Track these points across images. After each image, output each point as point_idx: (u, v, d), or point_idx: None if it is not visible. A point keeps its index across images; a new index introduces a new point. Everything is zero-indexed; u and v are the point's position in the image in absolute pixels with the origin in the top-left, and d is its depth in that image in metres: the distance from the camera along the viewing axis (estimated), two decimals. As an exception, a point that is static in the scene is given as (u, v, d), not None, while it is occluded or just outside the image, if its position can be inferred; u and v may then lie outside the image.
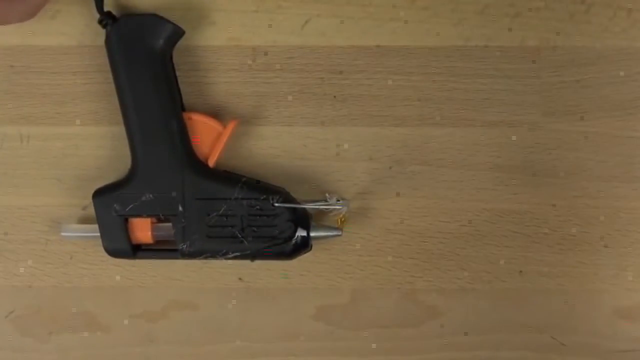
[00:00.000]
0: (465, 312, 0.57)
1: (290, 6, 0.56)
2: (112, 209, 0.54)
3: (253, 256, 0.54)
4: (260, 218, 0.54)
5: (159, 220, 0.55)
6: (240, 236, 0.54)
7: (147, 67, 0.53)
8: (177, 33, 0.54)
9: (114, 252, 0.55)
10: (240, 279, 0.57)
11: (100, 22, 0.54)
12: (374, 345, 0.57)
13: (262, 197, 0.54)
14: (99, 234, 0.54)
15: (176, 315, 0.57)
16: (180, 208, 0.54)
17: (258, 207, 0.54)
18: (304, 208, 0.55)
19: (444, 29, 0.56)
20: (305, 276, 0.57)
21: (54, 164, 0.57)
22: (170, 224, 0.54)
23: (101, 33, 0.54)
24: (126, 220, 0.54)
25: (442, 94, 0.56)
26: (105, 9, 0.54)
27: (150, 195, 0.54)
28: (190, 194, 0.54)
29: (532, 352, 0.57)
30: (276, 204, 0.54)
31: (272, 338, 0.57)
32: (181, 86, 0.55)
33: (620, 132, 0.56)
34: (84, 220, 0.56)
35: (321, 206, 0.55)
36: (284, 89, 0.56)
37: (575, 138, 0.56)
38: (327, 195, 0.56)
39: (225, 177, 0.55)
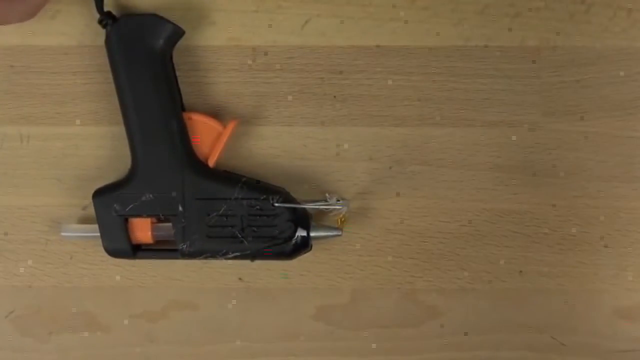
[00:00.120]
0: (465, 312, 0.57)
1: (290, 6, 0.56)
2: (112, 209, 0.54)
3: (253, 256, 0.54)
4: (260, 218, 0.54)
5: (159, 220, 0.55)
6: (240, 236, 0.54)
7: (147, 67, 0.53)
8: (177, 33, 0.54)
9: (114, 252, 0.55)
10: (240, 279, 0.57)
11: (100, 22, 0.54)
12: (374, 345, 0.57)
13: (262, 197, 0.54)
14: (99, 234, 0.54)
15: (176, 315, 0.57)
16: (180, 208, 0.54)
17: (258, 207, 0.54)
18: (304, 208, 0.55)
19: (444, 29, 0.56)
20: (305, 276, 0.57)
21: (54, 164, 0.57)
22: (170, 224, 0.54)
23: (101, 33, 0.54)
24: (126, 220, 0.54)
25: (442, 94, 0.56)
26: (105, 9, 0.54)
27: (150, 195, 0.54)
28: (190, 194, 0.54)
29: (532, 352, 0.57)
30: (276, 204, 0.54)
31: (272, 338, 0.57)
32: (181, 86, 0.55)
33: (620, 132, 0.56)
34: (84, 220, 0.56)
35: (321, 206, 0.55)
36: (284, 89, 0.56)
37: (575, 138, 0.56)
38: (327, 195, 0.56)
39: (225, 177, 0.55)
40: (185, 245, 0.54)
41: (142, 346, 0.57)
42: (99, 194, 0.54)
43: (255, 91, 0.56)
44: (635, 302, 0.57)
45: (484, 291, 0.57)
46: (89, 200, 0.55)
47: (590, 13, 0.56)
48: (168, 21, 0.53)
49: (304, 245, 0.54)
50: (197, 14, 0.56)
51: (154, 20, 0.53)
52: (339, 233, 0.55)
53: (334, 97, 0.56)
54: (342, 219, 0.55)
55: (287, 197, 0.54)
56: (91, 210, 0.55)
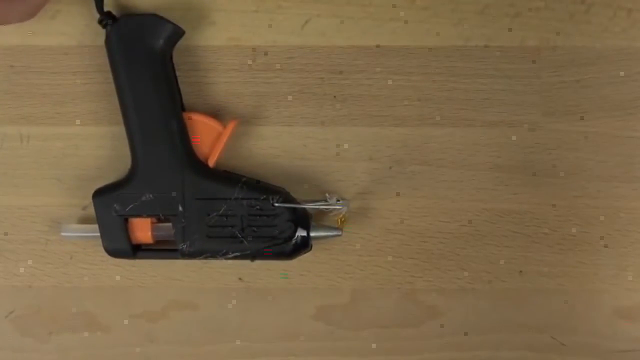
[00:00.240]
0: (465, 312, 0.57)
1: (290, 6, 0.56)
2: (112, 209, 0.54)
3: (253, 256, 0.54)
4: (260, 218, 0.54)
5: (159, 220, 0.55)
6: (240, 236, 0.54)
7: (147, 67, 0.53)
8: (177, 33, 0.54)
9: (114, 252, 0.55)
10: (240, 279, 0.57)
11: (100, 22, 0.54)
12: (374, 345, 0.57)
13: (262, 197, 0.54)
14: (99, 234, 0.54)
15: (176, 315, 0.57)
16: (180, 208, 0.54)
17: (258, 207, 0.54)
18: (304, 208, 0.55)
19: (444, 29, 0.56)
20: (305, 276, 0.57)
21: (54, 164, 0.57)
22: (170, 224, 0.54)
23: (101, 33, 0.54)
24: (126, 220, 0.54)
25: (442, 94, 0.56)
26: (105, 9, 0.54)
27: (150, 195, 0.54)
28: (190, 194, 0.54)
29: (532, 352, 0.57)
30: (276, 204, 0.54)
31: (272, 338, 0.57)
32: (181, 86, 0.55)
33: (620, 132, 0.56)
34: (84, 220, 0.56)
35: (321, 206, 0.55)
36: (284, 89, 0.56)
37: (575, 138, 0.56)
38: (327, 195, 0.56)
39: (225, 177, 0.55)
40: (185, 245, 0.54)
41: (142, 346, 0.57)
42: (99, 194, 0.54)
43: (255, 91, 0.56)
44: (635, 302, 0.57)
45: (484, 291, 0.57)
46: (89, 200, 0.55)
47: (590, 13, 0.56)
48: (168, 21, 0.53)
49: (304, 245, 0.54)
50: (197, 14, 0.56)
51: (154, 20, 0.53)
52: (339, 233, 0.55)
53: (334, 97, 0.56)
54: (342, 219, 0.55)
55: (287, 197, 0.54)
56: (91, 210, 0.55)
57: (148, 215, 0.54)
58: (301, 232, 0.54)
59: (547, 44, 0.56)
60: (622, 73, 0.56)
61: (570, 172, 0.56)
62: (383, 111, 0.56)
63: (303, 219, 0.54)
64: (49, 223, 0.57)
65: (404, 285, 0.57)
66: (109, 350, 0.57)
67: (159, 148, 0.53)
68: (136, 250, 0.55)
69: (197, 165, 0.54)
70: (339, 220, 0.55)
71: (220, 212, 0.54)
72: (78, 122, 0.57)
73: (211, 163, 0.55)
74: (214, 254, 0.54)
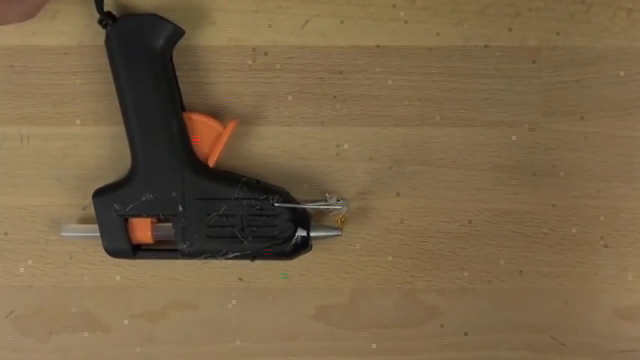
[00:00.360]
0: (465, 312, 0.57)
1: (290, 6, 0.56)
2: (112, 209, 0.54)
3: (253, 256, 0.54)
4: (260, 218, 0.54)
5: (159, 220, 0.55)
6: (240, 236, 0.54)
7: (147, 67, 0.53)
8: (177, 33, 0.54)
9: (114, 252, 0.55)
10: (240, 279, 0.57)
11: (100, 22, 0.54)
12: (374, 345, 0.57)
13: (262, 197, 0.54)
14: (99, 234, 0.54)
15: (176, 315, 0.57)
16: (180, 208, 0.54)
17: (258, 207, 0.54)
18: (304, 208, 0.55)
19: (444, 29, 0.56)
20: (305, 276, 0.57)
21: (54, 164, 0.57)
22: (170, 224, 0.54)
23: (101, 33, 0.54)
24: (126, 220, 0.54)
25: (442, 94, 0.56)
26: (105, 9, 0.54)
27: (150, 195, 0.54)
28: (190, 194, 0.54)
29: (532, 352, 0.57)
30: (276, 204, 0.54)
31: (272, 338, 0.57)
32: (181, 86, 0.55)
33: (620, 132, 0.56)
34: (84, 220, 0.56)
35: (321, 206, 0.55)
36: (284, 89, 0.56)
37: (575, 138, 0.56)
38: (327, 195, 0.56)
39: (225, 177, 0.55)
40: (185, 245, 0.54)
41: (142, 346, 0.57)
42: (99, 194, 0.54)
43: (255, 91, 0.56)
44: (635, 302, 0.57)
45: (484, 291, 0.57)
46: (89, 200, 0.55)
47: (590, 13, 0.56)
48: (168, 21, 0.53)
49: (304, 245, 0.54)
50: (197, 14, 0.56)
51: (154, 20, 0.53)
52: (339, 233, 0.55)
53: (334, 97, 0.56)
54: (342, 219, 0.55)
55: (287, 197, 0.54)
56: (91, 210, 0.55)
57: (148, 215, 0.54)
58: (301, 232, 0.54)
59: (547, 44, 0.56)
60: (622, 73, 0.56)
61: (570, 172, 0.56)
62: (383, 111, 0.56)
63: (303, 219, 0.54)
64: (49, 223, 0.57)
65: (404, 285, 0.57)
66: (109, 350, 0.57)
67: (159, 148, 0.53)
68: (136, 250, 0.55)
69: (197, 165, 0.54)
70: (339, 220, 0.55)
71: (220, 212, 0.54)
72: (78, 122, 0.57)
73: (211, 163, 0.55)
74: (214, 254, 0.54)
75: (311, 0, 0.56)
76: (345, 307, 0.57)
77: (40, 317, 0.57)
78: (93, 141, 0.57)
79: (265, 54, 0.56)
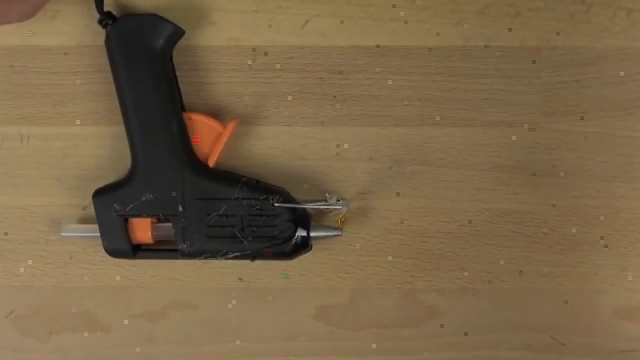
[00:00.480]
0: (465, 312, 0.57)
1: (290, 6, 0.56)
2: (112, 209, 0.54)
3: (253, 256, 0.54)
4: (260, 218, 0.54)
5: (159, 220, 0.55)
6: (240, 236, 0.54)
7: (147, 67, 0.53)
8: (177, 33, 0.54)
9: (114, 252, 0.55)
10: (240, 279, 0.57)
11: (100, 22, 0.54)
12: (374, 345, 0.57)
13: (262, 197, 0.54)
14: (99, 234, 0.54)
15: (176, 315, 0.57)
16: (180, 208, 0.54)
17: (258, 207, 0.54)
18: (304, 208, 0.55)
19: (444, 29, 0.56)
20: (305, 276, 0.57)
21: (54, 164, 0.57)
22: (170, 224, 0.54)
23: (101, 33, 0.54)
24: (126, 220, 0.54)
25: (442, 94, 0.56)
26: (105, 9, 0.54)
27: (150, 195, 0.54)
28: (190, 194, 0.54)
29: (532, 352, 0.57)
30: (276, 204, 0.54)
31: (272, 338, 0.57)
32: (181, 86, 0.55)
33: (620, 132, 0.56)
34: (84, 220, 0.56)
35: (321, 206, 0.55)
36: (284, 89, 0.56)
37: (575, 138, 0.56)
38: (327, 195, 0.56)
39: (225, 177, 0.55)
40: (185, 245, 0.54)
41: (142, 346, 0.57)
42: (99, 194, 0.54)
43: (255, 91, 0.56)
44: (635, 302, 0.57)
45: (484, 291, 0.57)
46: (89, 200, 0.55)
47: (590, 13, 0.56)
48: (168, 21, 0.53)
49: (304, 245, 0.54)
50: (197, 14, 0.56)
51: (154, 20, 0.53)
52: (339, 233, 0.55)
53: (334, 97, 0.56)
54: (342, 219, 0.55)
55: (287, 197, 0.54)
56: (91, 210, 0.55)
57: (148, 215, 0.54)
58: (301, 232, 0.54)
59: (547, 44, 0.56)
60: (622, 73, 0.56)
61: (570, 172, 0.56)
62: (383, 111, 0.56)
63: (303, 219, 0.54)
64: (49, 223, 0.57)
65: (404, 285, 0.57)
66: (109, 350, 0.57)
67: (159, 148, 0.53)
68: (136, 250, 0.55)
69: (197, 165, 0.54)
70: (339, 220, 0.55)
71: (220, 212, 0.54)
72: (78, 122, 0.57)
73: (211, 163, 0.55)
74: (214, 254, 0.54)
75: (311, 0, 0.56)
76: (345, 307, 0.57)
77: (40, 317, 0.57)
78: (93, 141, 0.57)
79: (265, 54, 0.56)
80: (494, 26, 0.56)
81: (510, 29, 0.56)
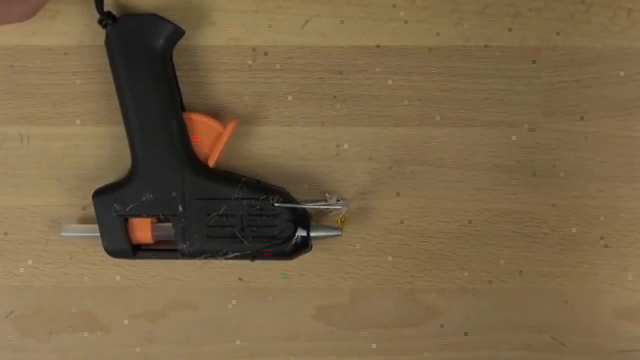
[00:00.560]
0: (465, 312, 0.57)
1: (290, 6, 0.56)
2: (112, 209, 0.54)
3: (253, 256, 0.54)
4: (260, 218, 0.54)
5: (159, 220, 0.55)
6: (240, 236, 0.54)
7: (147, 67, 0.53)
8: (177, 33, 0.54)
9: (114, 252, 0.55)
10: (240, 279, 0.57)
11: (100, 22, 0.54)
12: (374, 345, 0.57)
13: (262, 197, 0.54)
14: (99, 234, 0.54)
15: (176, 315, 0.57)
16: (180, 208, 0.54)
17: (258, 207, 0.54)
18: (304, 208, 0.55)
19: (444, 29, 0.56)
20: (305, 276, 0.57)
21: (54, 164, 0.57)
22: (170, 224, 0.54)
23: (101, 33, 0.54)
24: (126, 220, 0.54)
25: (442, 94, 0.56)
26: (105, 9, 0.54)
27: (150, 195, 0.54)
28: (190, 194, 0.54)
29: (532, 352, 0.57)
30: (276, 204, 0.54)
31: (272, 338, 0.57)
32: (181, 86, 0.55)
33: (620, 132, 0.56)
34: (84, 220, 0.56)
35: (321, 206, 0.55)
36: (284, 89, 0.56)
37: (575, 138, 0.56)
38: (327, 195, 0.56)
39: (225, 177, 0.55)
40: (185, 245, 0.54)
41: (142, 346, 0.57)
42: (99, 194, 0.54)
43: (255, 91, 0.56)
44: (635, 302, 0.57)
45: (484, 291, 0.57)
46: (89, 200, 0.55)
47: (590, 13, 0.56)
48: (168, 21, 0.53)
49: (304, 245, 0.54)
50: (197, 14, 0.56)
51: (154, 20, 0.53)
52: (339, 233, 0.55)
53: (334, 97, 0.56)
54: (342, 219, 0.55)
55: (287, 197, 0.54)
56: (91, 210, 0.55)
57: (148, 215, 0.54)
58: (301, 232, 0.54)
59: (547, 44, 0.56)
60: (622, 73, 0.56)
61: (570, 172, 0.56)
62: (383, 111, 0.56)
63: (303, 219, 0.54)
64: (49, 223, 0.57)
65: (404, 285, 0.57)
66: (109, 350, 0.57)
67: (159, 148, 0.53)
68: (136, 250, 0.55)
69: (197, 165, 0.54)
70: (339, 220, 0.55)
71: (220, 212, 0.54)
72: (78, 122, 0.57)
73: (211, 163, 0.55)
74: (214, 254, 0.54)
75: (311, 0, 0.56)
76: (345, 307, 0.57)
77: (40, 317, 0.57)
78: (93, 141, 0.57)
79: (265, 54, 0.56)
80: (494, 26, 0.56)
81: (510, 29, 0.56)
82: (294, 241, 0.54)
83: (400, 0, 0.56)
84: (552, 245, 0.56)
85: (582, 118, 0.56)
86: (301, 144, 0.57)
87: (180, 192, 0.54)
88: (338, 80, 0.56)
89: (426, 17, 0.56)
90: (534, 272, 0.57)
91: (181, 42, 0.55)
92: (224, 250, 0.54)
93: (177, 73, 0.55)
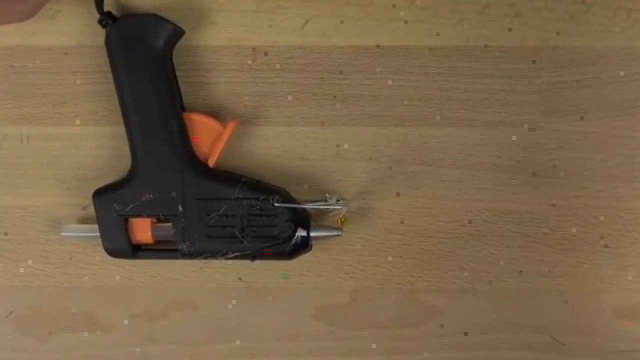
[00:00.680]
0: (465, 312, 0.57)
1: (290, 6, 0.56)
2: (112, 209, 0.54)
3: (253, 256, 0.54)
4: (260, 218, 0.54)
5: (159, 220, 0.55)
6: (240, 236, 0.54)
7: (147, 67, 0.53)
8: (177, 33, 0.54)
9: (114, 252, 0.55)
10: (240, 279, 0.57)
11: (100, 22, 0.54)
12: (374, 345, 0.57)
13: (262, 197, 0.54)
14: (99, 234, 0.54)
15: (176, 315, 0.57)
16: (180, 208, 0.54)
17: (258, 207, 0.54)
18: (304, 208, 0.55)
19: (444, 29, 0.56)
20: (305, 276, 0.57)
21: (54, 164, 0.57)
22: (170, 224, 0.54)
23: (101, 33, 0.54)
24: (126, 220, 0.54)
25: (442, 94, 0.56)
26: (105, 9, 0.54)
27: (150, 195, 0.54)
28: (190, 194, 0.54)
29: (532, 352, 0.57)
30: (276, 204, 0.54)
31: (272, 338, 0.57)
32: (181, 86, 0.55)
33: (620, 132, 0.56)
34: (84, 220, 0.56)
35: (321, 206, 0.55)
36: (284, 89, 0.56)
37: (575, 138, 0.56)
38: (327, 195, 0.56)
39: (225, 177, 0.55)
40: (185, 245, 0.54)
41: (142, 346, 0.57)
42: (99, 194, 0.54)
43: (255, 91, 0.56)
44: (635, 302, 0.57)
45: (484, 291, 0.57)
46: (89, 200, 0.55)
47: (590, 13, 0.56)
48: (168, 21, 0.53)
49: (304, 245, 0.54)
50: (197, 14, 0.56)
51: (154, 20, 0.53)
52: (339, 233, 0.55)
53: (334, 97, 0.56)
54: (342, 219, 0.55)
55: (287, 197, 0.54)
56: (91, 210, 0.55)
57: (148, 215, 0.54)
58: (301, 232, 0.54)
59: (547, 44, 0.56)
60: (622, 73, 0.56)
61: (570, 172, 0.56)
62: (383, 111, 0.56)
63: (303, 219, 0.54)
64: (49, 223, 0.57)
65: (404, 285, 0.57)
66: (109, 350, 0.57)
67: (159, 148, 0.53)
68: (136, 250, 0.55)
69: (197, 165, 0.54)
70: (339, 220, 0.55)
71: (220, 212, 0.54)
72: (78, 122, 0.57)
73: (211, 163, 0.55)
74: (214, 254, 0.54)
75: (311, 0, 0.56)
76: (345, 307, 0.57)
77: (40, 317, 0.57)
78: (93, 141, 0.57)
79: (265, 54, 0.56)
80: (494, 26, 0.56)
81: (510, 29, 0.56)
82: (294, 241, 0.54)
83: (400, 0, 0.56)
84: (552, 245, 0.56)
85: (582, 118, 0.56)
86: (301, 144, 0.57)
87: (180, 192, 0.54)
88: (338, 80, 0.56)
89: (426, 17, 0.56)
90: (534, 272, 0.57)
91: (181, 42, 0.55)
92: (224, 250, 0.54)
93: (177, 73, 0.55)
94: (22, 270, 0.57)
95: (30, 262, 0.57)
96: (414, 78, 0.56)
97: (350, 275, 0.57)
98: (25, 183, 0.57)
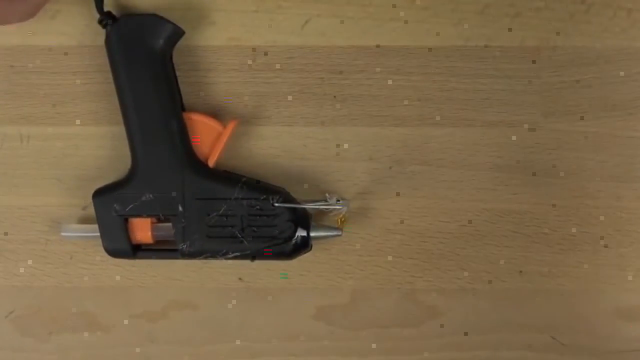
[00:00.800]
0: (465, 312, 0.57)
1: (290, 6, 0.56)
2: (112, 209, 0.54)
3: (253, 256, 0.54)
4: (260, 218, 0.54)
5: (159, 220, 0.55)
6: (240, 236, 0.54)
7: (147, 67, 0.53)
8: (177, 33, 0.54)
9: (114, 252, 0.55)
10: (240, 279, 0.57)
11: (100, 22, 0.54)
12: (374, 345, 0.57)
13: (262, 197, 0.54)
14: (99, 234, 0.54)
15: (176, 315, 0.57)
16: (180, 208, 0.54)
17: (258, 207, 0.54)
18: (304, 208, 0.55)
19: (444, 29, 0.56)
20: (305, 276, 0.57)
21: (54, 164, 0.57)
22: (170, 224, 0.54)
23: (101, 33, 0.54)
24: (126, 220, 0.54)
25: (442, 94, 0.56)
26: (105, 9, 0.54)
27: (150, 195, 0.54)
28: (190, 194, 0.54)
29: (532, 352, 0.57)
30: (276, 204, 0.54)
31: (272, 338, 0.57)
32: (181, 86, 0.55)
33: (620, 132, 0.56)
34: (84, 220, 0.56)
35: (321, 206, 0.55)
36: (284, 89, 0.56)
37: (575, 138, 0.56)
38: (327, 195, 0.56)
39: (225, 177, 0.55)
40: (185, 245, 0.54)
41: (142, 346, 0.57)
42: (99, 194, 0.54)
43: (255, 91, 0.56)
44: (635, 302, 0.57)
45: (484, 291, 0.57)
46: (89, 200, 0.55)
47: (590, 13, 0.56)
48: (168, 21, 0.53)
49: (304, 245, 0.54)
50: (197, 14, 0.56)
51: (154, 20, 0.53)
52: (339, 233, 0.55)
53: (334, 97, 0.56)
54: (342, 219, 0.55)
55: (287, 197, 0.54)
56: (91, 210, 0.55)
57: (148, 215, 0.54)
58: (301, 232, 0.54)
59: (547, 44, 0.56)
60: (622, 73, 0.56)
61: (570, 172, 0.56)
62: (383, 111, 0.56)
63: (303, 219, 0.54)
64: (49, 223, 0.57)
65: (404, 285, 0.57)
66: (109, 350, 0.57)
67: (159, 148, 0.53)
68: (136, 250, 0.55)
69: (197, 165, 0.54)
70: (339, 220, 0.55)
71: (220, 212, 0.54)
72: (78, 122, 0.57)
73: (211, 163, 0.55)
74: (214, 254, 0.54)
75: (311, 0, 0.56)
76: (345, 307, 0.57)
77: (40, 317, 0.57)
78: (93, 141, 0.57)
79: (265, 54, 0.56)
80: (494, 26, 0.56)
81: (510, 29, 0.56)
82: (294, 241, 0.54)
83: (400, 0, 0.56)
84: (552, 245, 0.56)
85: (582, 118, 0.56)
86: (301, 144, 0.57)
87: (180, 192, 0.54)
88: (338, 80, 0.56)
89: (426, 17, 0.56)
90: (534, 272, 0.57)
91: (181, 42, 0.55)
92: (224, 250, 0.54)
93: (177, 73, 0.55)
94: (22, 270, 0.57)
95: (30, 262, 0.57)
96: (414, 78, 0.56)
97: (350, 275, 0.57)
98: (25, 183, 0.57)
